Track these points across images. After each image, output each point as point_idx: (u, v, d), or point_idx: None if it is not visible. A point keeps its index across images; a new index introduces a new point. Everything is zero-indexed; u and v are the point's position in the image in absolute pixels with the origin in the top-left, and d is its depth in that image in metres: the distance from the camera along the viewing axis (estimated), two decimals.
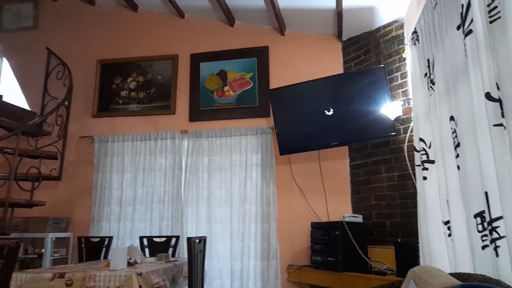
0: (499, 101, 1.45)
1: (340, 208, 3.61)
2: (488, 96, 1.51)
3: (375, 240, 3.27)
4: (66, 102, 4.32)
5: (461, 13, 1.72)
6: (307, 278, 3.31)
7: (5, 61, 4.95)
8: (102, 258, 3.59)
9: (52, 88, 4.56)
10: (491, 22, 1.47)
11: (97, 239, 3.66)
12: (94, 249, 3.61)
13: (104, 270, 2.38)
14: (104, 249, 3.62)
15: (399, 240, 3.01)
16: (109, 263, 2.61)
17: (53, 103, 4.38)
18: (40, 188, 3.90)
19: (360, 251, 2.98)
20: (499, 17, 1.41)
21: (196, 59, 4.40)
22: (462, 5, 1.70)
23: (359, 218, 3.27)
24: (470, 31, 1.67)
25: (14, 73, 4.84)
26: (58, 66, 4.58)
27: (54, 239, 3.86)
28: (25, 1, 4.99)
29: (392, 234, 3.18)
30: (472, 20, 1.63)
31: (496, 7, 1.43)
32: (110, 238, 3.69)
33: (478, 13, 1.58)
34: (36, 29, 4.93)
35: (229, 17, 4.28)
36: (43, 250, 3.74)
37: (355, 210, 3.58)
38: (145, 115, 4.37)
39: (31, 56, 4.80)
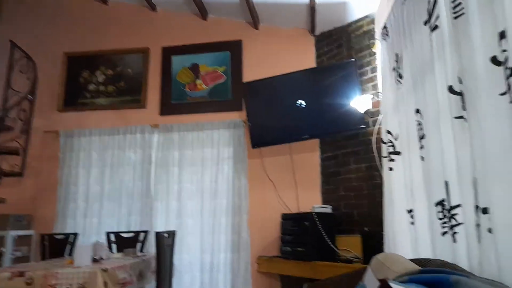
0: (461, 94, 1.49)
1: (310, 200, 3.64)
2: (451, 89, 1.55)
3: (343, 229, 3.33)
4: (30, 96, 4.13)
5: (428, 9, 1.77)
6: (277, 268, 3.34)
7: None
8: (67, 255, 3.46)
9: (16, 82, 4.32)
10: (455, 18, 1.51)
11: (62, 236, 3.53)
12: (58, 246, 3.47)
13: (67, 268, 2.29)
14: (69, 246, 3.49)
15: (366, 229, 3.08)
16: (73, 260, 2.51)
17: (17, 97, 4.17)
18: (2, 184, 3.72)
19: (328, 240, 3.03)
20: (463, 13, 1.45)
21: (168, 53, 4.31)
22: (429, 1, 1.74)
23: (328, 209, 3.32)
24: (436, 27, 1.71)
25: None
26: (22, 60, 4.36)
27: (15, 237, 3.69)
28: None
29: (359, 224, 3.25)
30: (438, 16, 1.67)
31: (460, 3, 1.47)
32: (76, 234, 3.57)
33: (444, 9, 1.63)
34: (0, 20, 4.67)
35: (202, 10, 4.21)
36: (3, 249, 3.56)
37: (325, 201, 3.63)
38: (114, 109, 4.24)
39: None
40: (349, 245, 3.06)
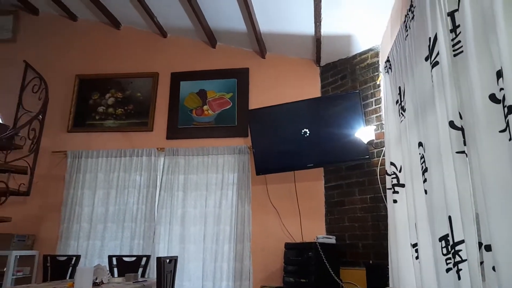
0: (462, 129, 1.52)
1: (314, 229, 3.62)
2: (451, 124, 1.58)
3: (348, 261, 3.29)
4: (40, 116, 4.22)
5: (429, 46, 1.82)
6: None
7: None
8: (68, 277, 3.44)
9: (28, 102, 4.46)
10: (455, 55, 1.56)
11: (64, 258, 3.52)
12: (60, 268, 3.46)
13: None
14: (70, 268, 3.47)
15: (370, 262, 3.03)
16: (73, 283, 2.50)
17: (27, 116, 4.27)
18: (7, 203, 3.74)
19: (332, 272, 2.98)
20: (462, 51, 1.50)
21: (177, 78, 4.42)
22: (430, 38, 1.80)
23: (332, 239, 3.29)
24: (437, 63, 1.76)
25: None
26: (34, 80, 4.50)
27: (18, 257, 3.68)
28: (5, 14, 4.93)
29: (364, 255, 3.21)
30: (438, 53, 1.72)
31: (459, 41, 1.52)
32: (78, 256, 3.55)
33: (443, 46, 1.68)
34: (14, 42, 4.85)
35: (211, 38, 4.35)
36: (5, 269, 3.55)
37: (329, 231, 3.60)
38: (122, 131, 4.32)
39: (8, 68, 4.70)
40: (354, 277, 3.01)
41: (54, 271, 3.43)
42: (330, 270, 2.98)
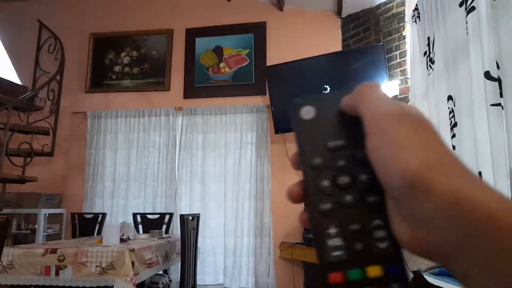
0: (498, 80, 1.42)
1: None
2: (487, 75, 1.48)
3: None
4: (58, 77, 4.22)
5: None
6: (300, 255, 3.36)
7: None
8: (95, 234, 3.59)
9: (44, 62, 4.44)
10: None
11: (91, 216, 3.66)
12: (88, 225, 3.61)
13: (97, 246, 2.38)
14: (97, 226, 3.62)
15: None
16: (101, 239, 2.60)
17: (45, 77, 4.27)
18: (33, 163, 3.85)
19: None
20: None
21: (192, 34, 4.29)
22: None
23: None
24: (473, 8, 1.62)
25: (5, 47, 4.70)
26: (50, 39, 4.45)
27: (47, 215, 3.85)
28: None
29: None
30: None
31: None
32: (104, 214, 3.69)
33: None
34: (27, 0, 4.76)
35: None
36: (36, 226, 3.74)
37: None
38: (139, 91, 4.29)
39: (22, 28, 4.65)
40: None
41: (82, 228, 3.58)
42: None
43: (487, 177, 1.46)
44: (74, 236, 3.56)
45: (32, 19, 4.54)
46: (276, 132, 3.68)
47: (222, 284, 3.65)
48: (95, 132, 4.15)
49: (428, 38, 2.33)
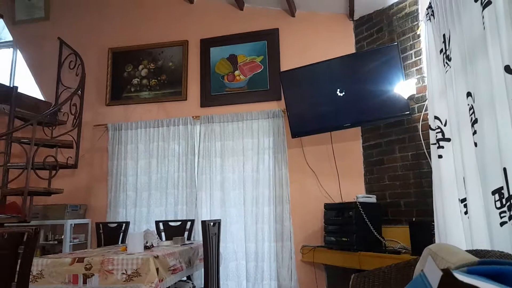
0: None
1: (353, 189, 3.59)
2: (507, 69, 1.46)
3: (389, 219, 3.26)
4: (80, 92, 4.36)
5: None
6: (321, 258, 3.34)
7: (18, 53, 5.01)
8: (119, 242, 3.67)
9: (65, 78, 4.60)
10: None
11: (115, 225, 3.74)
12: (112, 234, 3.70)
13: (122, 254, 2.43)
14: (121, 234, 3.70)
15: (413, 219, 2.98)
16: (126, 247, 2.66)
17: (67, 92, 4.42)
18: (58, 176, 3.98)
19: (374, 230, 2.97)
20: None
21: (206, 44, 4.37)
22: None
23: (372, 199, 3.26)
24: (489, 3, 1.61)
25: (28, 65, 4.89)
26: (70, 56, 4.61)
27: (73, 225, 3.96)
28: None
29: (406, 213, 3.16)
30: None
31: None
32: (127, 223, 3.77)
33: None
34: (48, 20, 4.95)
35: (238, 0, 4.21)
36: (62, 236, 3.84)
37: (369, 191, 3.56)
38: (157, 102, 4.39)
39: (44, 47, 4.84)
40: (396, 235, 2.99)
41: (106, 237, 3.67)
42: (371, 228, 2.97)
43: None
44: (99, 245, 3.64)
45: (53, 37, 4.73)
46: (293, 136, 3.69)
47: None
48: (116, 144, 4.26)
49: (444, 35, 2.31)
